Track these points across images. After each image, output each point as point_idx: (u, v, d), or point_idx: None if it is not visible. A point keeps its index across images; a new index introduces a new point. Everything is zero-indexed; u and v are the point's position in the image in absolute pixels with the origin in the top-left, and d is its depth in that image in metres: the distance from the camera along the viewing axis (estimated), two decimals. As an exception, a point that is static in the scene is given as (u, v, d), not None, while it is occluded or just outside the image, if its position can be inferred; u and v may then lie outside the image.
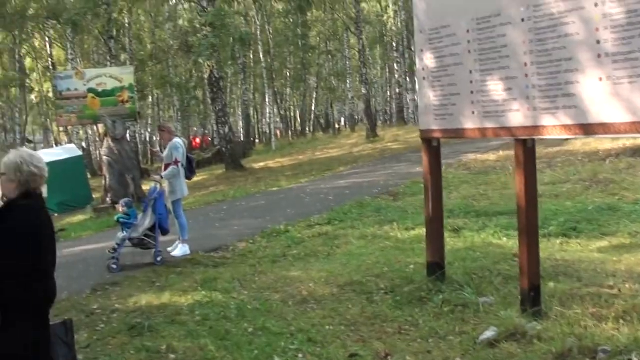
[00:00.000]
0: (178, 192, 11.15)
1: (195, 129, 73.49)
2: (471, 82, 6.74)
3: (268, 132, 57.71)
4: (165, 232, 10.88)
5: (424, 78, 7.51)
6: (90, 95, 24.61)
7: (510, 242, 9.54)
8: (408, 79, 48.01)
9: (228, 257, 10.93)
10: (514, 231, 10.14)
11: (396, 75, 47.84)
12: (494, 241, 10.01)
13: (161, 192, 10.84)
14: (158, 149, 12.91)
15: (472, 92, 6.74)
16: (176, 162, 10.96)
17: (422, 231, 10.92)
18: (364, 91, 39.16)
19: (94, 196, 26.22)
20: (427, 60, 7.41)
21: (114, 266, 10.37)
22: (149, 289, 9.12)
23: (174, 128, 11.65)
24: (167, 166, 11.08)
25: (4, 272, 4.02)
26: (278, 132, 51.56)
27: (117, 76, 25.18)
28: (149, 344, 6.66)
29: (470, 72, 6.72)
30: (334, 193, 16.74)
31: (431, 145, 7.69)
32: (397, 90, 47.29)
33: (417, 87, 7.85)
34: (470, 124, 6.85)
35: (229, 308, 7.70)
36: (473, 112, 6.77)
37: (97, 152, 54.43)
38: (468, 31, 6.71)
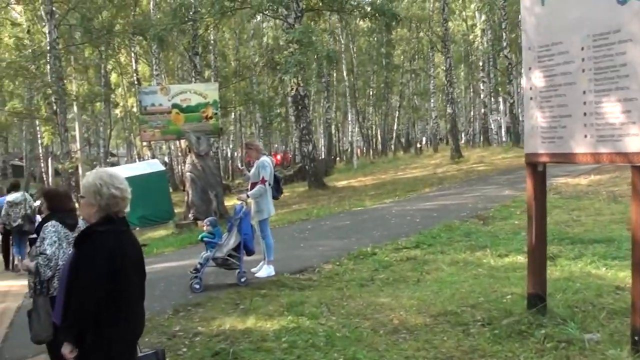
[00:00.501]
0: (265, 211, 10.89)
1: (276, 145, 73.88)
2: (584, 103, 6.23)
3: (349, 150, 57.49)
4: (250, 252, 10.62)
5: (531, 98, 7.02)
6: (175, 110, 24.85)
7: (610, 273, 8.99)
8: (493, 99, 47.15)
9: (314, 280, 10.60)
10: (612, 260, 9.61)
11: (481, 95, 47.14)
12: (593, 271, 9.38)
13: (247, 212, 10.60)
14: (243, 166, 12.66)
15: (585, 114, 6.23)
16: (263, 181, 10.72)
17: (516, 258, 10.47)
18: (449, 110, 38.47)
19: (175, 211, 26.32)
20: (536, 79, 6.92)
21: (197, 286, 10.18)
22: (232, 311, 8.87)
23: (261, 146, 11.32)
24: (253, 185, 10.85)
25: (85, 299, 3.79)
26: (358, 150, 51.16)
27: (202, 92, 25.34)
28: (234, 373, 6.39)
29: (584, 92, 6.22)
30: (420, 215, 16.26)
31: (536, 170, 7.19)
32: (482, 111, 46.57)
33: (524, 106, 7.37)
34: (581, 148, 6.33)
35: (317, 335, 7.34)
36: (585, 136, 6.25)
37: (179, 167, 55.22)
38: (582, 48, 6.22)
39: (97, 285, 3.83)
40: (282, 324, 7.94)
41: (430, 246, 12.34)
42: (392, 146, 63.21)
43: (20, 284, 14.32)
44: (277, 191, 11.24)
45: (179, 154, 55.40)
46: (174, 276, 11.52)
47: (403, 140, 68.10)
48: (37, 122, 45.64)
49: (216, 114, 25.55)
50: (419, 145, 61.97)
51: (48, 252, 6.03)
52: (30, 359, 8.22)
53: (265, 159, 10.99)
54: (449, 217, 15.42)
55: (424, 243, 12.58)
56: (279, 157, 60.18)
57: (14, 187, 17.16)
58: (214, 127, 25.17)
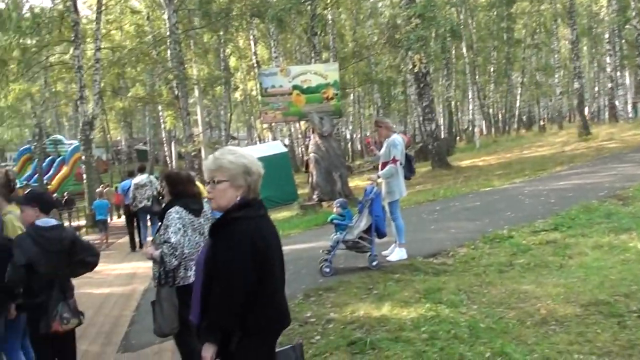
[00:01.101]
0: (396, 192, 10.42)
1: (395, 126, 73.24)
2: None
3: (470, 129, 56.22)
4: (382, 235, 10.15)
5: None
6: (295, 92, 24.57)
7: None
8: (619, 73, 44.82)
9: (449, 264, 10.07)
10: None
11: (607, 69, 44.87)
12: None
13: (378, 193, 10.13)
14: (373, 145, 12.19)
15: None
16: (394, 161, 10.24)
17: (667, 242, 9.65)
18: (576, 85, 36.71)
19: (298, 193, 26.22)
20: None
21: (327, 269, 9.87)
22: (365, 296, 8.48)
23: (392, 124, 10.84)
24: (384, 165, 10.38)
25: (228, 294, 3.48)
26: (478, 129, 49.86)
27: (322, 73, 24.97)
28: (373, 365, 5.99)
29: None
30: (555, 195, 15.39)
31: None
32: (610, 85, 44.32)
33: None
34: None
35: (459, 325, 6.86)
36: None
37: (300, 149, 55.46)
38: None
39: (241, 278, 3.49)
40: (420, 312, 7.49)
41: (569, 228, 11.56)
42: (515, 124, 61.34)
43: (146, 266, 14.45)
44: (409, 171, 10.73)
45: (299, 135, 55.76)
46: (302, 259, 11.24)
47: (524, 118, 66.01)
48: (159, 107, 46.92)
49: (337, 94, 25.16)
50: (542, 123, 60.06)
51: (173, 240, 5.79)
52: (156, 344, 8.11)
53: (396, 137, 10.48)
54: (585, 197, 14.50)
55: (562, 225, 11.80)
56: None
57: (141, 170, 18.11)
58: (335, 108, 24.76)
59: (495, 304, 7.59)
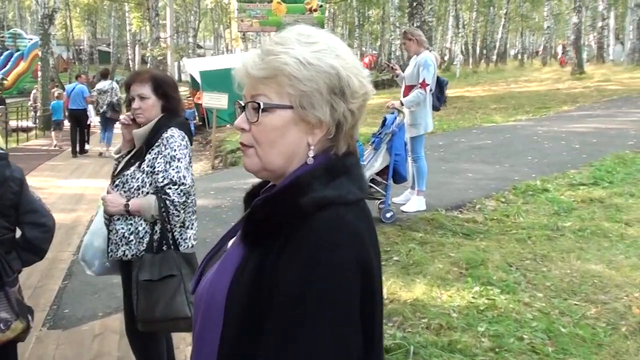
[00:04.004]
0: (422, 125, 8.10)
1: (364, 48, 70.69)
2: None
3: (447, 57, 53.92)
4: (401, 179, 7.85)
5: None
6: (276, 0, 22.40)
7: None
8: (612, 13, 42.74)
9: (479, 222, 7.93)
10: None
11: (600, 7, 42.54)
12: None
13: (401, 125, 7.82)
14: (393, 63, 9.86)
15: None
16: (424, 85, 7.87)
17: None
18: (575, 20, 34.38)
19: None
20: None
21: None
22: (384, 264, 6.26)
23: (424, 36, 8.48)
24: (409, 88, 8.09)
25: None
26: (460, 57, 47.58)
27: (307, -19, 22.75)
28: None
29: None
30: (577, 140, 13.35)
31: None
32: (600, 24, 42.09)
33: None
34: None
35: (530, 327, 4.87)
36: None
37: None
38: None
39: (344, 342, 1.38)
40: (467, 297, 5.44)
41: (611, 184, 9.63)
42: (495, 57, 59.11)
43: (95, 187, 12.24)
44: (439, 100, 8.44)
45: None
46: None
47: (501, 50, 63.81)
48: (126, 7, 44.48)
49: (321, 6, 22.93)
50: (520, 58, 58.13)
51: (187, 181, 3.69)
52: (98, 319, 5.92)
53: (428, 55, 8.06)
54: (613, 145, 12.59)
55: (602, 180, 9.83)
56: (366, 60, 57.03)
57: (104, 76, 18.53)
58: (318, 21, 22.45)
59: (565, 292, 5.60)
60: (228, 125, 19.31)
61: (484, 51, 60.96)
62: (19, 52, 46.41)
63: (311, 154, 1.51)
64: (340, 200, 1.45)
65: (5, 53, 46.60)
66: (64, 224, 9.49)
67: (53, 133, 21.14)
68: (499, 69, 47.54)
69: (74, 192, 12.25)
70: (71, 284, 6.99)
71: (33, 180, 13.34)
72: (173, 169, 3.63)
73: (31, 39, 46.74)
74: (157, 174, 3.67)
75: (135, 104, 3.80)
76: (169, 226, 3.67)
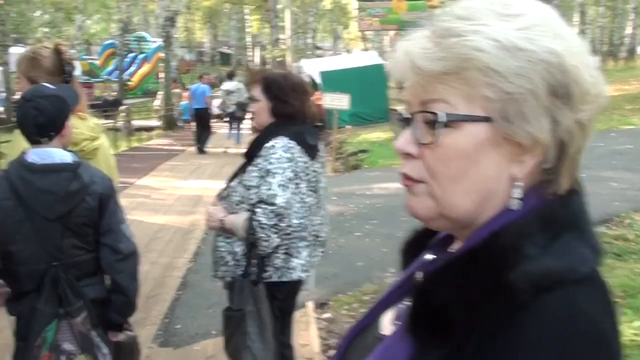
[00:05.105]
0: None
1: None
2: None
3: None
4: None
5: None
6: (399, -3, 21.88)
7: None
8: None
9: (629, 239, 7.02)
10: None
11: None
12: None
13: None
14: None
15: None
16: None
17: None
18: None
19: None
20: None
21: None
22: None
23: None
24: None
25: None
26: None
27: (435, -25, 22.13)
28: None
29: None
30: None
31: None
32: None
33: None
34: None
35: None
36: None
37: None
38: None
39: None
40: (628, 334, 4.64)
41: None
42: (622, 54, 56.41)
43: (215, 188, 11.86)
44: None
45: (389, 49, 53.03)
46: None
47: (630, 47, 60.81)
48: (246, 9, 45.10)
49: (444, 2, 22.17)
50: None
51: (279, 200, 3.07)
52: (212, 339, 5.45)
53: None
54: None
55: None
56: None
57: (230, 77, 18.89)
58: (437, 20, 21.84)
59: None
60: (348, 126, 18.99)
61: (611, 48, 58.32)
62: (143, 55, 47.95)
63: (518, 193, 0.94)
64: (572, 276, 0.87)
65: (130, 55, 48.21)
66: (181, 228, 9.23)
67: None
68: (629, 67, 45.27)
69: (193, 194, 11.94)
70: (185, 295, 6.58)
71: (152, 180, 13.52)
72: (264, 186, 3.10)
73: (155, 42, 48.19)
74: (250, 190, 3.19)
75: (251, 106, 3.44)
76: (261, 251, 3.18)
